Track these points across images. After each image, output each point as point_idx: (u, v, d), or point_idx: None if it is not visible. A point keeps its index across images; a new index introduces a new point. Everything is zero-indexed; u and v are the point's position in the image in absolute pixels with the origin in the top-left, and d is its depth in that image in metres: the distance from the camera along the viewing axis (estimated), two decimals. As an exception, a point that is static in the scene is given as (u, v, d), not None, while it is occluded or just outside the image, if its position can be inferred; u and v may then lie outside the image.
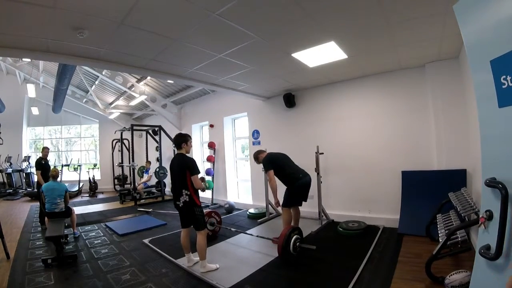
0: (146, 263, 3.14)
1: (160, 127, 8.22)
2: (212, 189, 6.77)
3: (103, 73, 7.37)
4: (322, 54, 3.32)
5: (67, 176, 9.71)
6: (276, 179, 3.59)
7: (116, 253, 3.51)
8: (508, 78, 1.06)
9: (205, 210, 3.02)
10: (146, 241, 3.94)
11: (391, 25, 2.66)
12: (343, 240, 3.66)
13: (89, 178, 9.61)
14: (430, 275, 2.32)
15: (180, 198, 2.81)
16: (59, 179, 4.33)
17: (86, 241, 4.09)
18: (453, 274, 2.19)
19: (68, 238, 4.08)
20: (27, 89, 8.12)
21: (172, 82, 6.70)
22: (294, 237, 3.02)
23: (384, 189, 4.22)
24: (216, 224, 4.07)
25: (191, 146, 3.04)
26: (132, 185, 7.90)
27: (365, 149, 4.44)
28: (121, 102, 9.29)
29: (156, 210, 6.40)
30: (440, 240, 2.39)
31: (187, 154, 2.97)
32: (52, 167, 4.86)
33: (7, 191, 8.83)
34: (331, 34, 2.84)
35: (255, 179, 6.08)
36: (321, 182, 4.41)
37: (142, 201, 7.49)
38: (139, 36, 2.66)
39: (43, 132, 11.36)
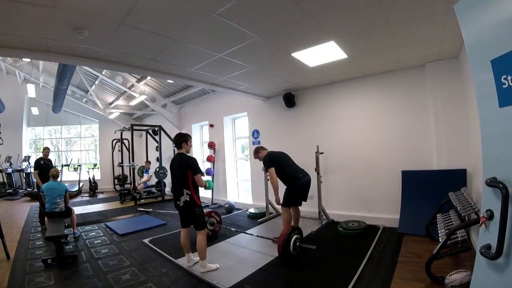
0: (146, 263, 3.14)
1: (160, 127, 8.22)
2: (212, 189, 6.77)
3: (103, 73, 7.37)
4: (322, 54, 3.32)
5: (67, 176, 9.72)
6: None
7: (116, 253, 3.51)
8: (509, 77, 1.06)
9: (205, 210, 3.02)
10: (146, 241, 3.94)
11: (391, 25, 2.65)
12: (343, 240, 3.66)
13: (89, 178, 9.61)
14: (430, 275, 2.32)
15: (180, 198, 2.81)
16: (59, 179, 4.32)
17: (86, 241, 4.09)
18: (453, 274, 2.19)
19: (68, 238, 4.08)
20: (27, 89, 8.13)
21: (172, 82, 6.70)
22: (294, 237, 3.02)
23: (384, 189, 4.22)
24: (216, 224, 4.07)
25: (191, 146, 3.04)
26: (132, 185, 7.90)
27: (365, 149, 4.44)
28: (121, 102, 9.29)
29: (156, 210, 6.40)
30: (440, 240, 2.39)
31: (187, 154, 2.98)
32: (52, 167, 4.87)
33: (7, 191, 8.83)
34: (331, 34, 2.84)
35: (255, 179, 6.08)
36: (321, 182, 4.41)
37: (142, 201, 7.49)
38: (139, 36, 2.66)
39: (43, 132, 11.36)
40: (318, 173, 4.38)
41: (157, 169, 7.73)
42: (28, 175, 9.47)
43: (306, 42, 3.00)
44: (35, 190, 6.14)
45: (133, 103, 8.42)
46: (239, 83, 4.58)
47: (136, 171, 8.16)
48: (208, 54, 3.25)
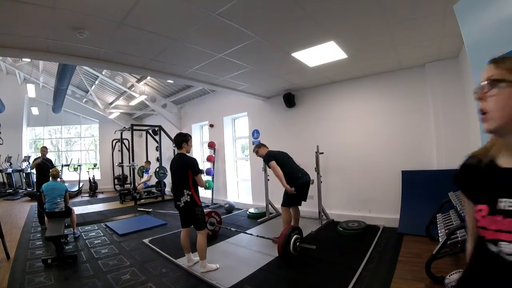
0: (146, 263, 3.14)
1: (160, 127, 8.22)
2: (212, 189, 6.78)
3: (103, 73, 7.36)
4: (322, 54, 3.32)
5: (67, 176, 9.71)
6: (276, 177, 3.61)
7: (116, 253, 3.51)
8: (509, 77, 1.06)
9: (205, 210, 3.02)
10: (146, 241, 3.94)
11: (391, 25, 2.66)
12: (343, 240, 3.66)
13: (89, 178, 9.61)
14: (430, 274, 2.32)
15: (181, 198, 2.81)
16: (59, 179, 4.33)
17: (86, 241, 4.09)
18: (453, 273, 2.19)
19: (68, 238, 4.08)
20: (27, 89, 8.13)
21: (172, 82, 6.70)
22: (294, 236, 3.02)
23: (384, 189, 4.22)
24: (216, 224, 4.07)
25: (192, 146, 3.05)
26: (132, 185, 7.90)
27: (365, 149, 4.44)
28: (121, 102, 9.29)
29: (156, 210, 6.39)
30: (440, 240, 2.39)
31: (187, 154, 2.98)
32: (52, 167, 4.88)
33: (7, 191, 8.83)
34: (331, 34, 2.84)
35: (255, 179, 6.08)
36: (321, 182, 4.41)
37: (142, 201, 7.49)
38: (139, 36, 2.66)
39: (43, 132, 11.36)
40: (318, 173, 4.38)
41: (157, 169, 7.73)
42: (28, 175, 9.47)
43: (306, 42, 3.00)
44: (35, 190, 6.15)
45: (133, 103, 8.42)
46: (239, 83, 4.58)
47: (136, 171, 8.16)
48: (208, 54, 3.25)
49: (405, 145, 4.08)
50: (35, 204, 7.01)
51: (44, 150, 5.18)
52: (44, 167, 4.87)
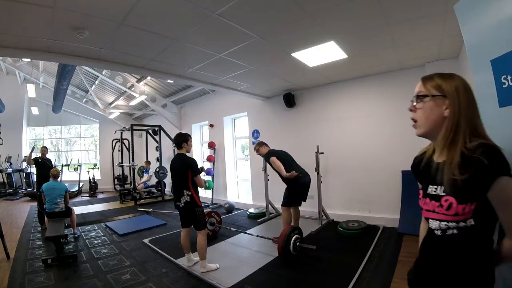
0: (146, 263, 3.14)
1: (160, 127, 8.22)
2: (212, 189, 6.77)
3: (103, 73, 7.37)
4: (322, 54, 3.32)
5: (67, 176, 9.72)
6: (276, 177, 3.61)
7: (116, 253, 3.51)
8: (509, 77, 1.07)
9: (205, 210, 3.02)
10: (146, 241, 3.94)
11: (391, 25, 2.65)
12: (343, 240, 3.66)
13: (89, 178, 9.61)
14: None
15: (181, 199, 2.81)
16: (59, 179, 4.33)
17: (86, 241, 4.09)
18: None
19: (68, 238, 4.07)
20: (27, 89, 8.12)
21: (172, 82, 6.70)
22: (294, 236, 3.02)
23: (384, 189, 4.22)
24: (216, 224, 4.07)
25: (192, 146, 3.05)
26: (132, 185, 7.90)
27: (365, 148, 4.44)
28: (121, 102, 9.29)
29: (156, 210, 6.39)
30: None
31: (187, 154, 2.98)
32: (52, 166, 4.88)
33: (7, 191, 8.83)
34: (331, 34, 2.84)
35: (255, 179, 6.08)
36: (321, 182, 4.41)
37: (142, 201, 7.49)
38: (139, 36, 2.66)
39: (43, 132, 11.36)
40: (318, 173, 4.38)
41: (157, 169, 7.72)
42: (28, 175, 9.47)
43: (306, 42, 3.00)
44: (35, 190, 6.16)
45: (133, 103, 8.42)
46: (239, 83, 4.58)
47: (136, 171, 8.16)
48: (208, 54, 3.25)
49: (405, 145, 4.05)
50: (35, 204, 7.01)
51: (44, 149, 5.19)
52: (44, 165, 4.88)
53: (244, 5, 2.20)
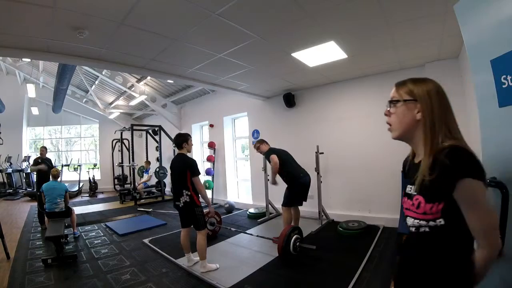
0: (146, 263, 3.14)
1: (160, 127, 8.22)
2: (212, 189, 6.78)
3: (103, 73, 7.37)
4: (322, 54, 3.32)
5: (67, 176, 9.71)
6: (277, 177, 3.60)
7: (116, 253, 3.51)
8: (509, 77, 1.07)
9: (205, 210, 3.02)
10: (146, 241, 3.94)
11: (391, 25, 2.65)
12: (343, 240, 3.66)
13: (89, 178, 9.60)
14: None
15: (180, 199, 2.81)
16: (59, 179, 4.33)
17: (86, 241, 4.09)
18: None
19: (68, 238, 4.07)
20: (27, 89, 8.12)
21: (172, 82, 6.70)
22: (294, 236, 3.02)
23: (384, 189, 4.21)
24: (216, 224, 4.07)
25: (192, 145, 3.05)
26: (132, 185, 7.90)
27: (365, 148, 4.43)
28: (121, 102, 9.28)
29: (156, 210, 6.39)
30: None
31: (188, 154, 2.98)
32: (52, 166, 4.88)
33: (7, 191, 8.82)
34: (331, 34, 2.84)
35: (255, 179, 6.08)
36: (321, 182, 4.41)
37: (142, 201, 7.49)
38: (139, 36, 2.66)
39: (43, 132, 11.36)
40: (318, 173, 4.38)
41: (157, 169, 7.72)
42: (28, 175, 9.47)
43: (306, 42, 3.00)
44: (35, 190, 6.16)
45: (133, 103, 8.42)
46: (239, 83, 4.58)
47: (136, 171, 8.16)
48: (208, 54, 3.25)
49: (405, 145, 4.03)
50: (35, 204, 7.01)
51: (43, 149, 5.19)
52: (45, 169, 4.87)
53: (244, 5, 2.20)
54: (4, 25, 2.32)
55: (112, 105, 9.49)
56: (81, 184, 9.59)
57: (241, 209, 6.05)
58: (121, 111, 9.79)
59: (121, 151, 9.74)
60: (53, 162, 5.43)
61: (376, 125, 4.35)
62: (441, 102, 0.85)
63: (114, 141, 10.19)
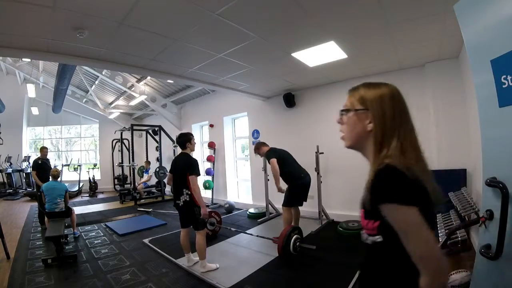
0: (146, 263, 3.14)
1: (160, 127, 8.22)
2: (212, 189, 6.78)
3: (103, 73, 7.36)
4: (322, 54, 3.32)
5: (67, 176, 9.71)
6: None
7: (116, 253, 3.51)
8: (509, 77, 1.07)
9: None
10: (146, 241, 3.94)
11: (391, 25, 2.65)
12: (343, 240, 3.66)
13: (89, 178, 9.60)
14: (430, 275, 2.31)
15: (180, 198, 2.81)
16: (59, 179, 4.33)
17: (86, 241, 4.10)
18: (453, 274, 2.19)
19: (68, 238, 4.07)
20: (27, 89, 8.13)
21: (172, 82, 6.70)
22: (294, 236, 3.02)
23: (384, 189, 4.21)
24: (216, 224, 4.07)
25: (195, 144, 3.06)
26: (132, 185, 7.90)
27: (365, 149, 4.42)
28: (121, 102, 9.28)
29: (156, 210, 6.40)
30: (440, 240, 2.39)
31: (191, 154, 2.98)
32: (52, 167, 4.87)
33: (7, 191, 8.82)
34: (331, 34, 2.84)
35: (255, 179, 6.08)
36: (321, 182, 4.41)
37: (142, 201, 7.49)
38: (139, 36, 2.66)
39: (43, 132, 11.36)
40: (318, 173, 4.38)
41: (157, 169, 7.72)
42: (28, 175, 9.45)
43: (306, 42, 3.00)
44: (35, 190, 6.16)
45: (133, 103, 8.42)
46: (239, 83, 4.58)
47: (136, 171, 8.16)
48: (208, 54, 3.25)
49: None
50: (35, 204, 7.02)
51: (45, 150, 5.18)
52: (45, 167, 4.87)
53: (244, 5, 2.20)
54: (4, 25, 2.32)
55: (112, 105, 9.49)
56: (81, 184, 9.59)
57: (241, 209, 6.06)
58: (121, 111, 9.79)
59: (121, 151, 9.74)
60: (53, 162, 5.43)
61: (376, 125, 4.35)
62: (395, 109, 0.80)
63: (114, 141, 10.18)
